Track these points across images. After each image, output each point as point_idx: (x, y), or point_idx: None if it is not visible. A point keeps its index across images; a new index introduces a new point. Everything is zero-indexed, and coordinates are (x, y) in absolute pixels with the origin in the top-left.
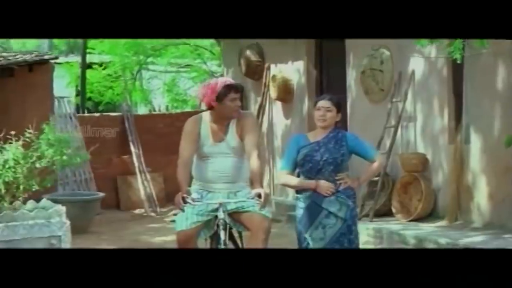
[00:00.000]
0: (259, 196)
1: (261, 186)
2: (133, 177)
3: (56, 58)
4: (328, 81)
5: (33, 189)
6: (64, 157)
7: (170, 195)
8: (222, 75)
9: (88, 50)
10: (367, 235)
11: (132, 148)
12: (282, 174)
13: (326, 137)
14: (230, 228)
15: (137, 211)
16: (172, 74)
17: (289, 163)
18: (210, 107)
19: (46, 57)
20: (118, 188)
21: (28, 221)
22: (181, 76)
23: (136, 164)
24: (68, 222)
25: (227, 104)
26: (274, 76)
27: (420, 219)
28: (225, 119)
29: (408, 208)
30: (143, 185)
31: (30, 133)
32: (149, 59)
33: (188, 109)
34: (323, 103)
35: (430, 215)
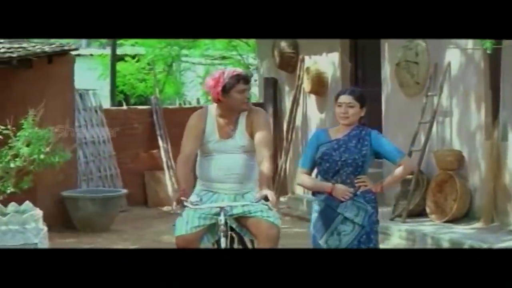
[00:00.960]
0: (265, 199)
1: (269, 188)
2: (161, 173)
3: (77, 49)
4: (363, 73)
5: (8, 192)
6: (42, 156)
7: None
8: (257, 68)
9: (120, 42)
10: (399, 237)
11: (160, 143)
12: (299, 173)
13: (347, 135)
14: (239, 234)
15: (165, 208)
16: (207, 66)
17: (307, 161)
18: (216, 100)
19: (66, 48)
20: (145, 184)
21: (1, 227)
22: (216, 69)
23: (164, 159)
24: (45, 229)
25: (234, 96)
26: (307, 69)
27: (455, 220)
28: (233, 113)
29: (443, 208)
30: (170, 181)
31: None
32: (184, 51)
33: None
34: (344, 98)
35: (465, 216)
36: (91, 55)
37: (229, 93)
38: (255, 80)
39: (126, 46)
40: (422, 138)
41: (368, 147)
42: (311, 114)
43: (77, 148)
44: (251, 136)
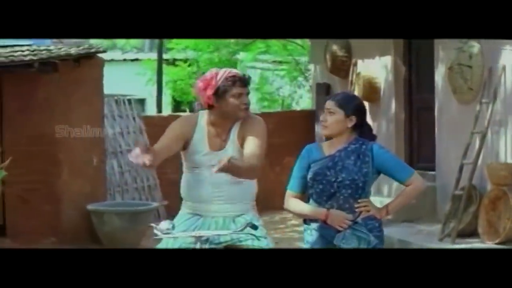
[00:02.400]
0: (252, 226)
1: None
2: None
3: (104, 51)
4: (418, 78)
5: None
6: None
7: None
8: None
9: (170, 46)
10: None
11: None
12: (287, 196)
13: (344, 150)
14: None
15: None
16: (262, 71)
17: (296, 182)
18: (207, 106)
19: (93, 50)
20: None
21: None
22: (274, 74)
23: None
24: None
25: (229, 101)
26: (358, 74)
27: (508, 241)
28: (228, 121)
29: (496, 228)
30: None
31: None
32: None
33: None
34: (326, 103)
35: None
36: (138, 59)
37: (223, 98)
38: (310, 86)
39: (176, 50)
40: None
41: (369, 164)
42: None
43: (110, 157)
44: (242, 146)
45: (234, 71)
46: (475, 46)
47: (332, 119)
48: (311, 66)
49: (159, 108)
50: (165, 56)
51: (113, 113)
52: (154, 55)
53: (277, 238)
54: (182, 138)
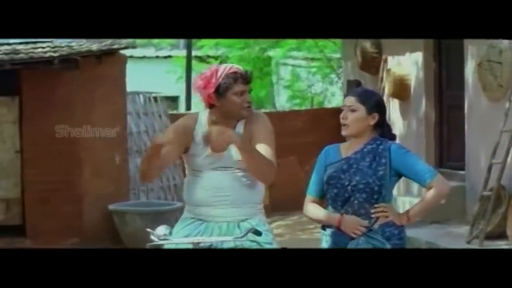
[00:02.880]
0: (255, 232)
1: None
2: None
3: (126, 48)
4: (448, 75)
5: None
6: None
7: (276, 202)
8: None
9: (201, 44)
10: None
11: None
12: (306, 201)
13: (360, 152)
14: None
15: None
16: (293, 68)
17: (314, 186)
18: (208, 105)
19: (115, 46)
20: None
21: None
22: (306, 71)
23: None
24: None
25: (232, 99)
26: (389, 71)
27: None
28: (230, 121)
29: None
30: None
31: None
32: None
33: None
34: (346, 100)
35: None
36: (171, 56)
37: (225, 96)
38: (342, 83)
39: (207, 47)
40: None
41: (386, 166)
42: (395, 120)
43: (134, 156)
44: None
45: (236, 67)
46: (504, 42)
47: (353, 116)
48: (343, 63)
49: (188, 105)
50: (197, 53)
51: (138, 111)
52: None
53: (304, 239)
54: (189, 134)
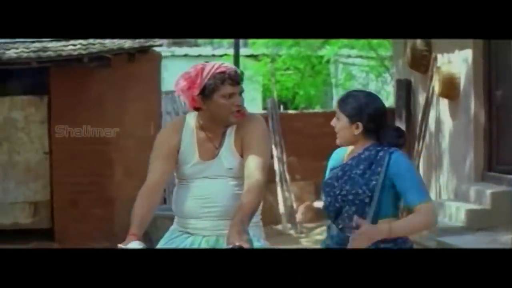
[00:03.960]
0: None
1: (241, 231)
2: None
3: (160, 45)
4: (498, 74)
5: None
6: None
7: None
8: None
9: (252, 41)
10: None
11: (274, 151)
12: None
13: (357, 158)
14: None
15: (279, 226)
16: (345, 66)
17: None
18: (193, 108)
19: (148, 44)
20: None
21: None
22: (359, 70)
23: (277, 170)
24: None
25: (219, 102)
26: (438, 69)
27: None
28: (220, 126)
29: None
30: (283, 196)
31: None
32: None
33: None
34: (336, 108)
35: None
36: (227, 55)
37: (211, 98)
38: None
39: (258, 45)
40: None
41: (380, 176)
42: (445, 121)
43: None
44: (242, 154)
45: (225, 65)
46: None
47: (338, 125)
48: (393, 61)
49: None
50: (248, 52)
51: (177, 110)
52: (244, 50)
53: None
54: (174, 150)
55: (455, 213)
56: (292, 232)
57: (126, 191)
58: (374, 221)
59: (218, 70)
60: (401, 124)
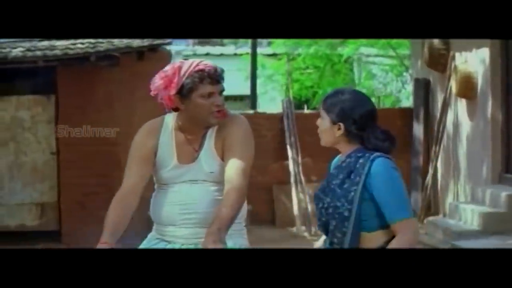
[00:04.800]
0: None
1: (218, 241)
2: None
3: (169, 43)
4: None
5: None
6: None
7: None
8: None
9: (270, 40)
10: None
11: (289, 152)
12: None
13: (339, 166)
14: None
15: (294, 229)
16: (364, 65)
17: None
18: (170, 108)
19: (156, 42)
20: (274, 200)
21: None
22: (379, 69)
23: (292, 172)
24: None
25: (197, 102)
26: (455, 68)
27: None
28: (200, 127)
29: None
30: (297, 197)
31: None
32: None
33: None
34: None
35: None
36: (236, 54)
37: (190, 98)
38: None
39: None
40: None
41: (359, 186)
42: (462, 121)
43: None
44: (222, 157)
45: (204, 63)
46: None
47: (321, 126)
48: (412, 60)
49: (253, 105)
50: (265, 51)
51: None
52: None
53: None
54: (151, 153)
55: (470, 216)
56: (306, 234)
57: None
58: (354, 236)
59: (196, 68)
60: (418, 125)
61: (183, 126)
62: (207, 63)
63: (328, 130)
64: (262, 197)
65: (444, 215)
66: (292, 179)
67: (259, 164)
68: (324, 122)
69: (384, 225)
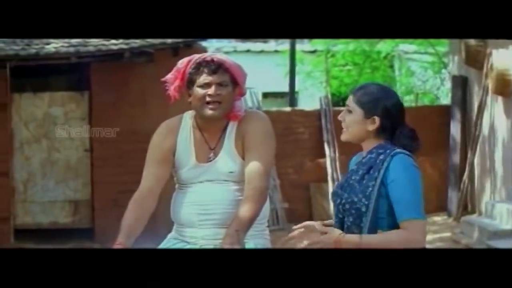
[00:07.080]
0: None
1: (235, 243)
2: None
3: (205, 39)
4: None
5: None
6: None
7: None
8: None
9: None
10: None
11: (327, 150)
12: None
13: (360, 162)
14: None
15: None
16: (403, 62)
17: None
18: (175, 99)
19: (190, 39)
20: (311, 198)
21: None
22: (419, 66)
23: (329, 170)
24: None
25: (195, 92)
26: (492, 65)
27: None
28: (213, 124)
29: None
30: None
31: None
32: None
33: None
34: (348, 100)
35: None
36: (277, 51)
37: (192, 89)
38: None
39: (314, 41)
40: None
41: (377, 182)
42: (499, 119)
43: None
44: (243, 156)
45: (207, 55)
46: None
47: (349, 119)
48: (450, 58)
49: (292, 102)
50: (310, 47)
51: None
52: (305, 46)
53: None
54: (169, 153)
55: (506, 215)
56: None
57: (168, 190)
58: (371, 234)
59: (199, 60)
60: (456, 123)
61: (200, 124)
62: (212, 54)
63: (359, 125)
64: (299, 195)
65: (480, 214)
66: (329, 178)
67: (296, 162)
68: (354, 116)
69: (396, 226)
